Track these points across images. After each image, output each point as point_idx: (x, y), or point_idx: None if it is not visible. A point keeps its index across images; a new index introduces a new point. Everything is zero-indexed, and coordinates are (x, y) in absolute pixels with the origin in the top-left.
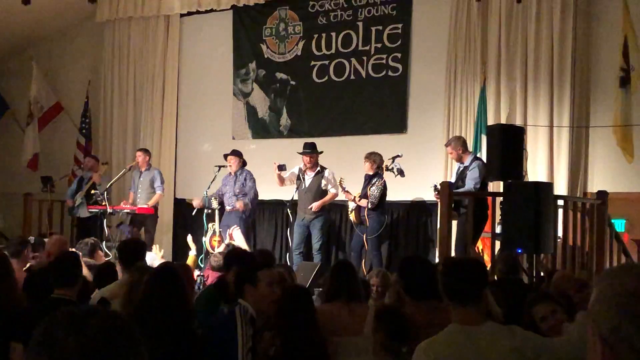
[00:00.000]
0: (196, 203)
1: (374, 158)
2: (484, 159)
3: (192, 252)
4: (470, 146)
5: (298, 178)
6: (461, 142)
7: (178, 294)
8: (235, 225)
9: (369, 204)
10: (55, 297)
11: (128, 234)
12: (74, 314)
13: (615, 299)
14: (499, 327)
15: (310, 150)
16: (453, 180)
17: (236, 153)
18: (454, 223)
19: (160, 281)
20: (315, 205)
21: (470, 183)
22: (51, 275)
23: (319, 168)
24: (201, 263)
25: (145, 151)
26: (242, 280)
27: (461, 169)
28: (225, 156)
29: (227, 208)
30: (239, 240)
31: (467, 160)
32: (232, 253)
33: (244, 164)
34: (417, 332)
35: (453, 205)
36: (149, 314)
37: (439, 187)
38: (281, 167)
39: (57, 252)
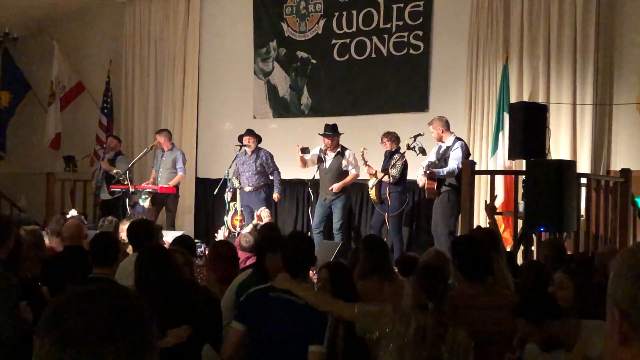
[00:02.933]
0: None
1: (391, 136)
2: (507, 137)
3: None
4: (492, 124)
5: (319, 159)
6: (443, 122)
7: (167, 271)
8: (264, 207)
9: (391, 179)
10: (93, 276)
11: (141, 212)
12: (83, 293)
13: (632, 271)
14: None
15: (331, 133)
16: (433, 159)
17: (252, 132)
18: (437, 201)
19: (148, 260)
20: (336, 187)
21: (453, 163)
22: (90, 255)
23: (339, 149)
24: None
25: (167, 132)
26: (264, 249)
27: (442, 148)
28: (241, 137)
29: (247, 188)
30: (267, 220)
31: (449, 140)
32: (265, 239)
33: (258, 141)
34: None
35: (435, 184)
36: (144, 292)
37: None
38: (304, 150)
39: (72, 236)
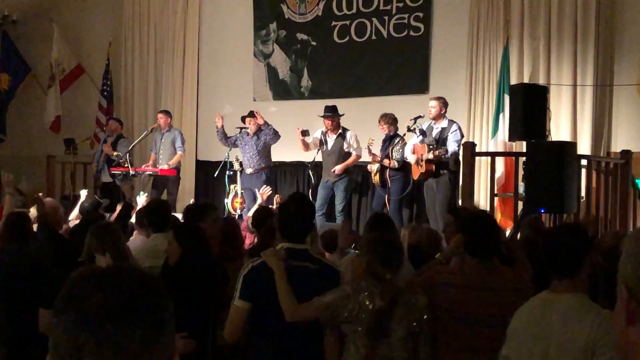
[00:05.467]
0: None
1: (388, 118)
2: (507, 119)
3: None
4: (492, 106)
5: (321, 141)
6: (445, 104)
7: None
8: (265, 186)
9: (395, 164)
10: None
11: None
12: (100, 272)
13: None
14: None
15: (331, 114)
16: (420, 139)
17: (254, 114)
18: (432, 182)
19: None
20: (338, 168)
21: (454, 145)
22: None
23: (340, 130)
24: None
25: (167, 112)
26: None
27: (437, 130)
28: (243, 118)
29: (248, 170)
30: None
31: (443, 122)
32: (260, 213)
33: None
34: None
35: (434, 166)
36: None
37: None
38: (305, 133)
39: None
